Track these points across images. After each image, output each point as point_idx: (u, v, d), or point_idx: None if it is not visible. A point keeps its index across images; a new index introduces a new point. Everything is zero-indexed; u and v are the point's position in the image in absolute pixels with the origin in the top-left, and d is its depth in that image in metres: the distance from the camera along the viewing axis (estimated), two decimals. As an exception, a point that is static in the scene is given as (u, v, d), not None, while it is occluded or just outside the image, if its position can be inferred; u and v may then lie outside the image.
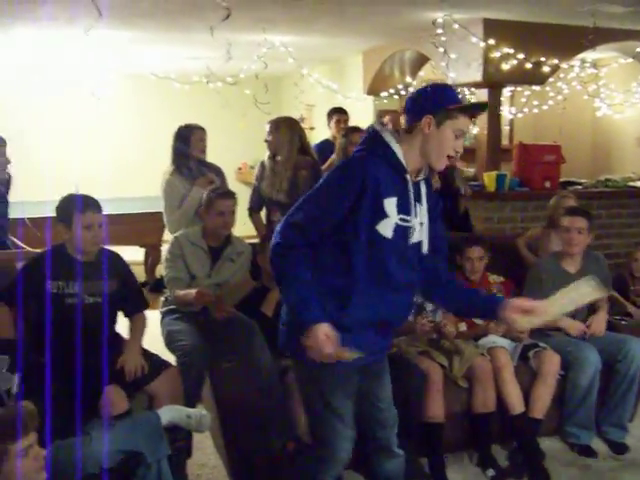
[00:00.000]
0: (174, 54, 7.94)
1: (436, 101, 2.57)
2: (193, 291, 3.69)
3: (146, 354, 3.49)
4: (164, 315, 3.98)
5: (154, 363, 3.43)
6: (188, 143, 4.68)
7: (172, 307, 3.93)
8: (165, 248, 4.12)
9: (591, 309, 4.17)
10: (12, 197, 5.61)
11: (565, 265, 4.22)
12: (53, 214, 3.40)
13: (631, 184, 7.04)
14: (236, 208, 4.04)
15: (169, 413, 2.97)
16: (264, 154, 4.97)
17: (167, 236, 6.48)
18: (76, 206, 3.31)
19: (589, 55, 6.97)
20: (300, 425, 3.38)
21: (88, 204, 3.34)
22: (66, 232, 3.33)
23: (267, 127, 4.88)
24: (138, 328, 3.55)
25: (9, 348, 2.92)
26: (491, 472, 3.72)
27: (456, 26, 5.62)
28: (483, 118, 6.30)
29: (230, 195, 4.02)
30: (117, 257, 3.57)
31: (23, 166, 6.13)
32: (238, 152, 10.01)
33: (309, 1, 5.30)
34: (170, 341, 3.75)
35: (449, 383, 3.81)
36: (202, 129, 4.77)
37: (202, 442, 3.86)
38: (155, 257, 7.53)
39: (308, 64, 7.91)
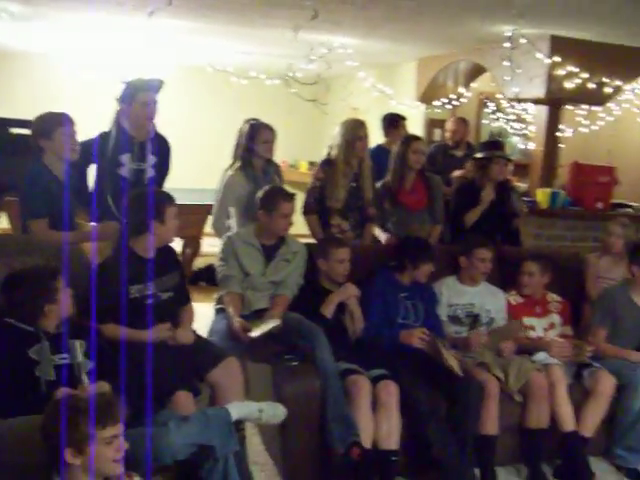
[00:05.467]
0: (230, 48, 8.01)
1: None
2: (235, 319, 3.70)
3: (204, 342, 3.54)
4: (216, 312, 4.02)
5: (213, 351, 3.45)
6: (254, 141, 4.60)
7: (223, 306, 3.93)
8: (206, 242, 4.10)
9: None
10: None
11: (636, 297, 4.27)
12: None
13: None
14: None
15: (239, 408, 2.99)
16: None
17: (207, 229, 6.60)
18: (168, 199, 3.39)
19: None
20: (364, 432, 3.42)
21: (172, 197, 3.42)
22: (159, 227, 3.33)
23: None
24: (188, 316, 3.55)
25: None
26: (541, 487, 3.75)
27: (523, 40, 5.63)
28: (540, 134, 6.32)
29: (293, 197, 4.01)
30: (173, 250, 3.60)
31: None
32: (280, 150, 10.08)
33: (382, 7, 5.32)
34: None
35: (504, 397, 3.84)
36: (271, 129, 4.68)
37: (249, 439, 3.75)
38: (195, 249, 7.58)
39: (361, 68, 7.95)
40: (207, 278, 7.14)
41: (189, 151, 9.55)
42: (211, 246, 7.38)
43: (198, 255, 7.09)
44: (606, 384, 3.99)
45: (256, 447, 3.91)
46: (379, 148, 6.06)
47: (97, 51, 8.88)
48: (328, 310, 3.83)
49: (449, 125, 6.56)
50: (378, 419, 3.49)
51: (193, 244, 7.55)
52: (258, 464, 3.74)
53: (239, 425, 3.11)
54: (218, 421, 2.84)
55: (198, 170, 8.24)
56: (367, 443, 3.43)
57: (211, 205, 4.75)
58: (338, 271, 3.94)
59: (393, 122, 6.31)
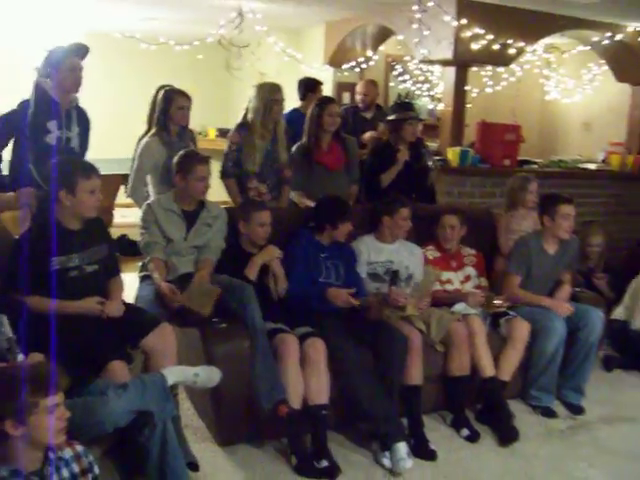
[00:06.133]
0: (137, 13, 7.82)
1: None
2: (162, 284, 3.70)
3: (136, 309, 3.53)
4: (141, 279, 4.00)
5: (145, 318, 3.44)
6: (169, 107, 4.60)
7: (148, 273, 3.92)
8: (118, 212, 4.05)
9: (557, 283, 4.47)
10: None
11: (546, 246, 4.49)
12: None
13: (581, 165, 7.38)
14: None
15: (175, 373, 3.01)
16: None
17: (120, 200, 6.48)
18: (80, 171, 3.27)
19: (548, 40, 7.20)
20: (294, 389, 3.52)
21: (93, 169, 3.31)
22: (68, 198, 3.22)
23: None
24: (117, 288, 3.51)
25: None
26: (465, 432, 3.94)
27: (431, 3, 5.74)
28: (447, 95, 6.48)
29: (208, 160, 4.05)
30: (101, 221, 3.52)
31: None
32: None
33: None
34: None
35: (427, 348, 4.00)
36: (186, 95, 4.67)
37: (180, 404, 3.81)
38: (107, 221, 7.45)
39: (269, 33, 7.91)
40: (120, 249, 7.04)
41: (98, 120, 9.35)
42: (122, 217, 7.30)
43: (110, 226, 6.97)
44: (521, 330, 4.21)
45: (187, 411, 3.97)
46: (295, 112, 6.08)
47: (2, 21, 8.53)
48: (251, 272, 3.88)
49: (359, 88, 6.63)
50: (307, 375, 3.58)
51: (105, 215, 7.40)
52: (190, 428, 3.80)
53: (173, 390, 3.15)
54: (155, 387, 2.86)
55: (108, 140, 8.05)
56: (297, 400, 3.52)
57: (122, 175, 4.68)
58: (259, 234, 3.99)
59: (310, 86, 6.36)
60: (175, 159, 4.06)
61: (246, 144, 4.77)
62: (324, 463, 3.44)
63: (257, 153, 4.75)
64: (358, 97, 6.50)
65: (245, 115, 4.84)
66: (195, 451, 3.40)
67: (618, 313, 5.30)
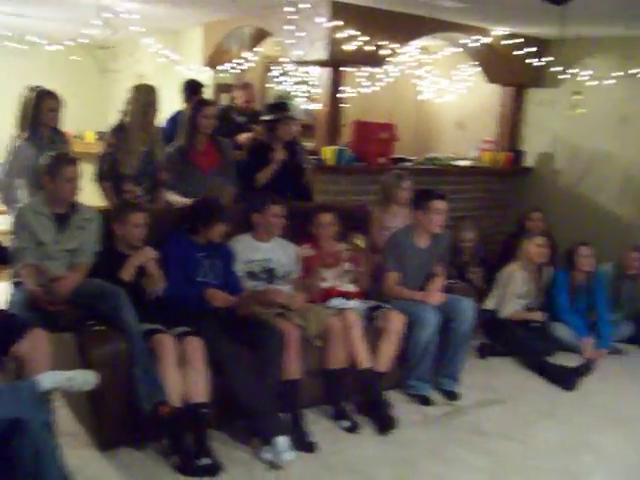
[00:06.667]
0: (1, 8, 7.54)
1: None
2: (35, 289, 3.66)
3: (7, 315, 3.44)
4: (14, 285, 3.91)
5: (16, 323, 3.35)
6: (39, 109, 4.54)
7: (19, 279, 3.84)
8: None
9: (430, 276, 4.64)
10: None
11: (417, 240, 4.65)
12: None
13: (453, 163, 7.67)
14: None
15: (49, 378, 2.95)
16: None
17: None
18: None
19: (420, 42, 7.42)
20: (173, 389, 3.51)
21: None
22: None
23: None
24: None
25: None
26: (345, 423, 4.04)
27: (305, 5, 5.81)
28: (324, 95, 6.58)
29: (75, 161, 3.99)
30: None
31: None
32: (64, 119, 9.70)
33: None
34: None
35: (305, 342, 4.07)
36: (56, 97, 4.61)
37: (57, 410, 3.67)
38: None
39: (147, 34, 7.82)
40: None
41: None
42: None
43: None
44: (396, 322, 4.34)
45: (65, 417, 3.89)
46: (180, 114, 6.02)
47: None
48: (127, 274, 3.85)
49: (236, 90, 6.70)
50: (186, 374, 3.58)
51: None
52: (69, 435, 3.73)
53: (48, 396, 3.08)
54: (28, 393, 2.79)
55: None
56: (177, 399, 3.52)
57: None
58: (135, 235, 3.97)
59: (193, 88, 6.42)
60: (42, 161, 3.99)
61: (122, 147, 4.74)
62: (205, 461, 3.45)
63: (133, 155, 4.72)
64: (234, 99, 6.56)
65: (121, 117, 4.80)
66: (75, 457, 3.33)
67: (489, 303, 5.57)
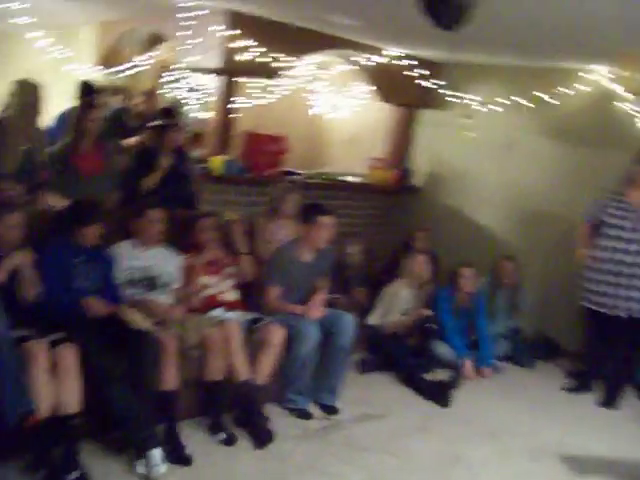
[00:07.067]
0: None
1: None
2: None
3: None
4: None
5: None
6: None
7: None
8: None
9: (313, 290, 4.68)
10: None
11: (301, 254, 4.68)
12: None
13: (342, 178, 7.76)
14: None
15: None
16: None
17: None
18: None
19: (317, 57, 7.46)
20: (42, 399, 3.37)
21: None
22: None
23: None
24: None
25: None
26: (221, 436, 4.01)
27: (202, 12, 5.76)
28: (216, 104, 6.53)
29: None
30: None
31: None
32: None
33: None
34: None
35: (183, 353, 4.02)
36: None
37: None
38: None
39: (37, 28, 7.55)
40: None
41: None
42: None
43: None
44: (275, 335, 4.35)
45: None
46: (69, 113, 5.86)
47: None
48: (1, 276, 3.69)
49: (139, 95, 6.60)
50: (58, 383, 3.45)
51: None
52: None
53: None
54: None
55: None
56: (46, 410, 3.38)
57: None
58: (9, 238, 3.81)
59: (86, 90, 6.21)
60: None
61: (1, 144, 4.54)
62: (74, 475, 3.34)
63: (12, 154, 4.54)
64: (140, 107, 6.46)
65: (2, 114, 4.63)
66: None
67: (372, 319, 5.66)
